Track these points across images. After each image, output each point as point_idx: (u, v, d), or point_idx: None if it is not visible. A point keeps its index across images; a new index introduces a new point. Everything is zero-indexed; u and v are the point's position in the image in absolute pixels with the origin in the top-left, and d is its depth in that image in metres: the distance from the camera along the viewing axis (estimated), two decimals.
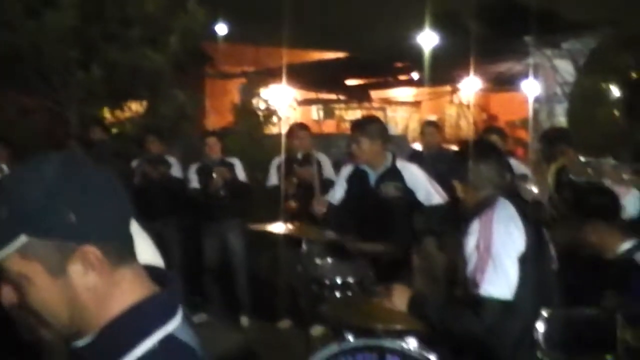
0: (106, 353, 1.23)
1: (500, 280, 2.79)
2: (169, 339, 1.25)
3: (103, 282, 1.24)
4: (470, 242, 2.88)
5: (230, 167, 6.95)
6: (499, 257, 2.81)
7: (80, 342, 1.26)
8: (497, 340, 2.86)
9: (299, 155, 6.37)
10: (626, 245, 3.41)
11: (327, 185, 6.01)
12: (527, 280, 2.84)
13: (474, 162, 3.05)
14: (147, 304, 1.27)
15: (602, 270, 3.32)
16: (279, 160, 6.71)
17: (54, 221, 1.20)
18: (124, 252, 1.28)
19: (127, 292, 1.27)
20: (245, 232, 6.83)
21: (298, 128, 6.64)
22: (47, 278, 1.21)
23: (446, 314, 2.95)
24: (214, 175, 6.75)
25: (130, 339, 1.23)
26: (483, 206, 2.96)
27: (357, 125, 4.94)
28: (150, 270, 1.36)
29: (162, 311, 1.28)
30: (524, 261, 2.85)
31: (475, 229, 2.88)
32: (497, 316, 2.78)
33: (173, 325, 1.27)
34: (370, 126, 4.83)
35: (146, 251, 2.10)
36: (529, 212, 3.04)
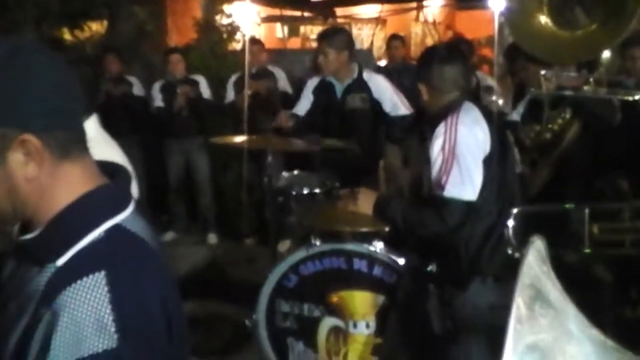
0: (51, 246, 1.22)
1: (464, 182, 2.84)
2: (116, 228, 1.24)
3: (45, 174, 1.21)
4: (436, 146, 2.90)
5: (195, 84, 6.96)
6: (464, 158, 2.84)
7: (26, 236, 1.25)
8: (460, 241, 2.95)
9: (253, 70, 6.49)
10: None
11: (283, 98, 6.38)
12: (492, 182, 2.90)
13: (438, 64, 3.06)
14: (93, 196, 1.26)
15: None
16: (235, 76, 6.88)
17: None
18: (70, 145, 1.25)
19: (73, 186, 1.25)
20: (210, 148, 6.91)
21: (251, 43, 6.70)
22: None
23: (410, 215, 2.98)
24: (178, 93, 6.75)
25: (76, 231, 1.22)
26: (448, 109, 2.97)
27: (323, 36, 4.98)
28: (104, 165, 1.35)
29: (110, 202, 1.27)
30: (489, 163, 2.90)
31: (440, 132, 2.90)
32: (461, 217, 2.84)
33: (122, 216, 1.26)
34: (337, 36, 4.88)
35: (112, 156, 2.13)
36: (494, 117, 3.10)
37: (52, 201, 1.23)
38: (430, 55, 3.23)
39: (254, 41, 6.92)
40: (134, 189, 1.55)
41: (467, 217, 2.85)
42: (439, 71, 3.04)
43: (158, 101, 6.92)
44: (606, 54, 2.74)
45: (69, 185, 1.24)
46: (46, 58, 1.24)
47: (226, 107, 6.90)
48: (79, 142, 1.27)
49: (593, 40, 3.31)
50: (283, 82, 6.77)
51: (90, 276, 1.16)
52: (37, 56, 1.22)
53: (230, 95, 6.87)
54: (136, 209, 1.31)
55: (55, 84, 1.22)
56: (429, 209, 2.90)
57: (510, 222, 2.95)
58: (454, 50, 3.26)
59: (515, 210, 2.97)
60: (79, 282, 1.16)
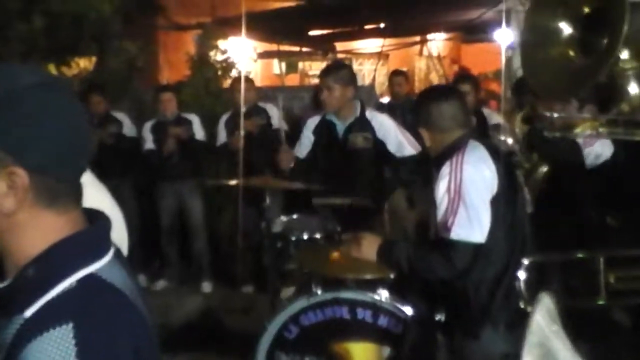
0: (21, 296, 1.20)
1: (472, 223, 2.81)
2: (90, 277, 1.23)
3: (24, 214, 1.21)
4: (441, 187, 2.89)
5: (188, 124, 6.92)
6: (470, 198, 2.82)
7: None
8: (470, 286, 2.91)
9: (243, 108, 6.44)
10: None
11: (274, 136, 6.18)
12: (500, 223, 2.88)
13: (435, 103, 3.07)
14: (67, 244, 1.24)
15: None
16: (226, 115, 6.89)
17: None
18: (60, 196, 1.25)
19: (50, 234, 1.23)
20: (204, 191, 6.90)
21: (237, 81, 6.72)
22: None
23: (416, 259, 2.95)
24: (169, 135, 6.71)
25: (46, 280, 1.20)
26: (452, 149, 2.97)
27: (328, 71, 4.93)
28: (88, 212, 1.34)
29: (85, 250, 1.26)
30: (497, 203, 2.89)
31: (445, 172, 2.89)
32: (470, 260, 2.81)
33: (97, 265, 1.25)
34: (342, 71, 4.84)
35: (100, 200, 2.10)
36: (501, 156, 3.07)
37: (26, 245, 1.22)
38: (425, 97, 3.26)
39: (244, 79, 6.88)
40: (124, 235, 1.50)
41: (476, 260, 2.82)
42: (437, 111, 3.05)
43: (149, 142, 6.87)
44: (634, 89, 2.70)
45: (47, 233, 1.23)
46: (71, 102, 1.26)
47: (220, 148, 6.89)
48: (71, 196, 1.27)
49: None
50: (277, 119, 6.63)
51: (57, 328, 1.14)
52: (63, 97, 1.25)
53: (222, 135, 6.85)
54: (115, 256, 1.30)
55: (68, 131, 1.23)
56: (436, 252, 2.88)
57: (522, 274, 2.92)
58: (448, 88, 3.46)
59: (526, 261, 2.95)
60: (45, 334, 1.14)
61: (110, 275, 1.25)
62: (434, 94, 3.22)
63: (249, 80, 7.07)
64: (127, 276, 1.30)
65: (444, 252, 2.84)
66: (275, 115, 6.65)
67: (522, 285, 2.89)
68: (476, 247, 2.82)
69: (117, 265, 1.29)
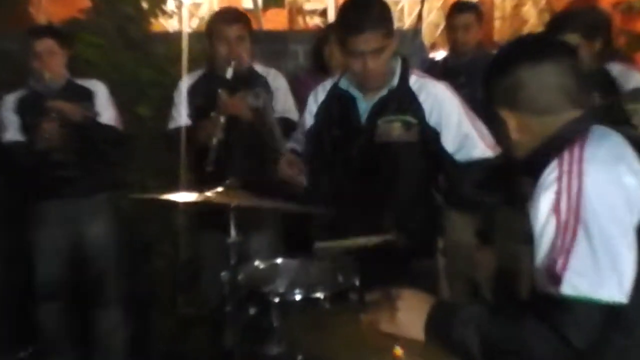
0: None
1: (601, 268, 2.29)
2: None
3: None
4: (543, 204, 2.37)
5: (86, 96, 4.95)
6: (599, 224, 2.29)
7: None
8: None
9: (228, 72, 4.51)
10: None
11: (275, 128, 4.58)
12: None
13: (530, 66, 2.53)
14: None
15: None
16: (191, 79, 4.84)
17: None
18: None
19: None
20: (121, 214, 5.11)
21: (225, 19, 4.71)
22: None
23: (497, 334, 2.45)
24: (47, 118, 4.78)
25: None
26: (562, 141, 2.45)
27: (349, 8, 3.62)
28: None
29: None
30: None
31: (550, 179, 2.38)
32: (597, 332, 2.31)
33: None
34: (375, 10, 3.53)
35: None
36: None
37: None
38: (512, 55, 2.69)
39: (232, 15, 4.78)
40: None
41: (610, 334, 2.33)
42: (534, 78, 2.55)
43: (12, 131, 4.88)
44: None
45: None
46: None
47: (164, 138, 4.93)
48: None
49: None
50: (283, 100, 4.79)
51: None
52: None
53: (178, 116, 4.81)
54: None
55: None
56: (535, 320, 2.36)
57: None
58: (555, 43, 2.74)
59: None
60: None
61: None
62: (527, 50, 2.65)
63: (240, 16, 4.85)
64: None
65: (551, 319, 2.34)
66: (282, 91, 4.91)
67: None
68: (610, 311, 2.31)
69: None
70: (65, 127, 4.74)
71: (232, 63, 4.51)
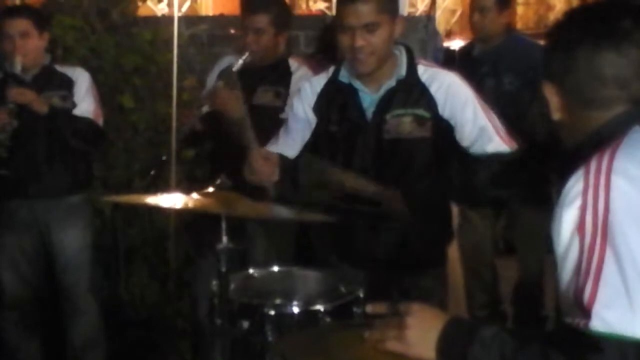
0: None
1: (633, 299, 2.03)
2: None
3: None
4: (566, 222, 2.12)
5: (64, 85, 4.68)
6: (628, 247, 2.02)
7: None
8: None
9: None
10: None
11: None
12: None
13: (592, 45, 2.27)
14: None
15: None
16: (224, 62, 4.63)
17: None
18: None
19: None
20: (97, 218, 4.90)
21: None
22: None
23: None
24: (9, 106, 4.47)
25: None
26: (596, 142, 2.23)
27: None
28: None
29: None
30: None
31: (576, 191, 2.13)
32: None
33: None
34: None
35: None
36: None
37: None
38: (575, 27, 2.43)
39: None
40: None
41: None
42: (588, 65, 2.28)
43: None
44: None
45: None
46: None
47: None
48: None
49: None
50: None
51: None
52: None
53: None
54: None
55: None
56: (561, 354, 2.14)
57: None
58: (629, 27, 2.34)
59: None
60: None
61: None
62: (593, 26, 2.36)
63: None
64: None
65: (580, 353, 2.09)
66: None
67: None
68: None
69: None
70: (27, 118, 4.48)
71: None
